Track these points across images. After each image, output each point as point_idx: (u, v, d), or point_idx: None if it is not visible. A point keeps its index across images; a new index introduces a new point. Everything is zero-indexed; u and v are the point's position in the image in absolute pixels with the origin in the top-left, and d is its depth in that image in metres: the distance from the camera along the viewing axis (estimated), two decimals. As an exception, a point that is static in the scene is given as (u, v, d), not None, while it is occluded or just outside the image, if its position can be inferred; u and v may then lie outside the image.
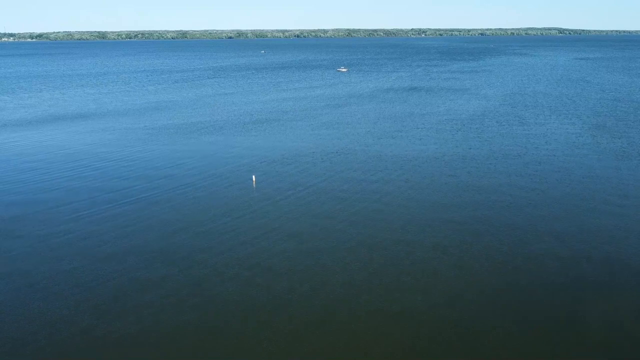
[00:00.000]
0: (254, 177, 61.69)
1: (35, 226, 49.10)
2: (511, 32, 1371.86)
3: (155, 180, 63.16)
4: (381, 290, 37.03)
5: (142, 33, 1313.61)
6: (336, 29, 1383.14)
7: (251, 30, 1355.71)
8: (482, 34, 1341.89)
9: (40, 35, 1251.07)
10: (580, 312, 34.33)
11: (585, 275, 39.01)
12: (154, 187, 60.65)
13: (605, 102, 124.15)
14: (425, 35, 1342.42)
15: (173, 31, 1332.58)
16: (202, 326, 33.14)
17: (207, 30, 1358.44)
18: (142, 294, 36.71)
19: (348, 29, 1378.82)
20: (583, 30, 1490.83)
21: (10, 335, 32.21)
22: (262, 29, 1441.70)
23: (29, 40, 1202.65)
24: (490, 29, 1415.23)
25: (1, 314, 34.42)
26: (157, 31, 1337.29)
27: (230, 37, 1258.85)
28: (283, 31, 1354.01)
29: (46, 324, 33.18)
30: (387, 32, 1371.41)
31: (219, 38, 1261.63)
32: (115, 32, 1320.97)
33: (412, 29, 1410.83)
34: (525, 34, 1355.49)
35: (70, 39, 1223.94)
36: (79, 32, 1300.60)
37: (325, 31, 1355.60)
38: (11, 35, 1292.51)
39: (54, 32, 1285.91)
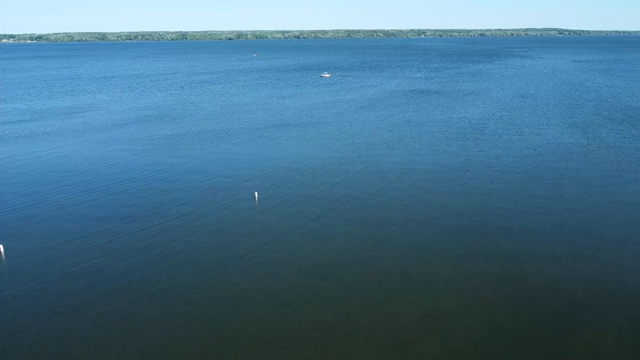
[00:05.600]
0: (256, 193, 63.42)
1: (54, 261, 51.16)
2: (511, 33, 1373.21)
3: (156, 199, 65.14)
4: (378, 306, 38.95)
5: (142, 34, 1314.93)
6: (336, 30, 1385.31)
7: (251, 31, 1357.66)
8: (481, 35, 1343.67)
9: (40, 37, 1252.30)
10: (573, 335, 36.24)
11: (579, 298, 40.92)
12: (155, 206, 62.61)
13: (601, 110, 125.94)
14: (424, 35, 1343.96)
15: (173, 32, 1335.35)
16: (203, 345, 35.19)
17: (207, 32, 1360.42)
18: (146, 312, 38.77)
19: (348, 30, 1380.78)
20: (582, 30, 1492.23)
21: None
22: (261, 29, 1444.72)
23: (29, 41, 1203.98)
24: (490, 30, 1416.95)
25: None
26: (157, 32, 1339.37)
27: (230, 39, 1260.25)
28: (283, 32, 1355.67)
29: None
30: (387, 33, 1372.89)
31: (218, 39, 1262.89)
32: (115, 33, 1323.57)
33: (411, 30, 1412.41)
34: (525, 34, 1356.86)
35: (71, 40, 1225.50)
36: (79, 33, 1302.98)
37: (325, 32, 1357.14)
38: (11, 36, 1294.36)
39: (54, 34, 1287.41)
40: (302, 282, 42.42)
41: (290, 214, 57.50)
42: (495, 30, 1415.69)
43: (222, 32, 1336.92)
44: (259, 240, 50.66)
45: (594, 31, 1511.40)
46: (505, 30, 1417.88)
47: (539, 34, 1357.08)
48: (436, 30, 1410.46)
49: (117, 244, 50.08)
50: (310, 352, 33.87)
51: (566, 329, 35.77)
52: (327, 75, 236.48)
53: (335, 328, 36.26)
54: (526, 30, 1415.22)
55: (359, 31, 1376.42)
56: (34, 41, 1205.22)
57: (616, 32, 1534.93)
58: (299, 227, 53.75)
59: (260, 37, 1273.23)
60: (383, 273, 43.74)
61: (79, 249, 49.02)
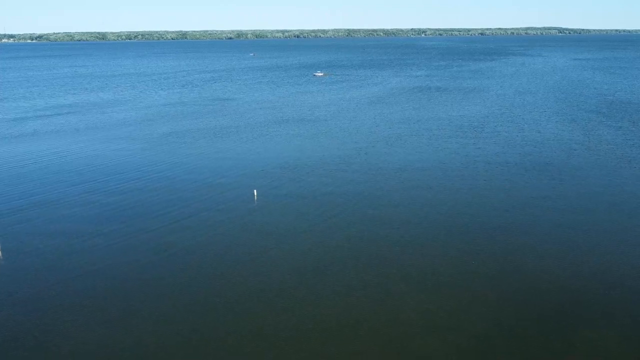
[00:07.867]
0: (255, 191, 63.32)
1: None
2: (511, 32, 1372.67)
3: (156, 195, 65.13)
4: (377, 305, 38.89)
5: (142, 34, 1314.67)
6: (336, 29, 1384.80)
7: (251, 30, 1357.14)
8: (482, 34, 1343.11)
9: (40, 37, 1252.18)
10: (574, 333, 36.12)
11: (580, 296, 40.81)
12: (158, 202, 62.60)
13: (601, 108, 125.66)
14: (425, 35, 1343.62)
15: (173, 32, 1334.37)
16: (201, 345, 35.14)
17: (207, 31, 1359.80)
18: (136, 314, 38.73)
19: (348, 29, 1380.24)
20: (583, 29, 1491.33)
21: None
22: (261, 29, 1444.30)
23: (30, 41, 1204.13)
24: (490, 29, 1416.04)
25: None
26: (157, 32, 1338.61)
27: (230, 38, 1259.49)
28: (283, 31, 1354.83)
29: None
30: (387, 32, 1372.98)
31: (218, 38, 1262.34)
32: (115, 32, 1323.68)
33: (411, 29, 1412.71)
34: (525, 33, 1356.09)
35: (71, 39, 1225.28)
36: (79, 32, 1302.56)
37: (325, 31, 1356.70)
38: (11, 36, 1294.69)
39: (54, 33, 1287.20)
40: (301, 279, 42.27)
41: (289, 211, 57.40)
42: (495, 29, 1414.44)
43: (222, 32, 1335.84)
44: (258, 238, 50.54)
45: (594, 30, 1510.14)
46: (506, 29, 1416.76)
47: (539, 33, 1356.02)
48: (436, 30, 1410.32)
49: (117, 244, 49.93)
50: (310, 347, 33.80)
51: (567, 327, 35.59)
52: (320, 74, 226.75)
53: (336, 324, 36.09)
54: (526, 29, 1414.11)
55: (359, 30, 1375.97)
56: (34, 41, 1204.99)
57: (616, 30, 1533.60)
58: (298, 224, 53.62)
59: (261, 37, 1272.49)
60: (383, 270, 43.58)
61: (78, 249, 48.90)
